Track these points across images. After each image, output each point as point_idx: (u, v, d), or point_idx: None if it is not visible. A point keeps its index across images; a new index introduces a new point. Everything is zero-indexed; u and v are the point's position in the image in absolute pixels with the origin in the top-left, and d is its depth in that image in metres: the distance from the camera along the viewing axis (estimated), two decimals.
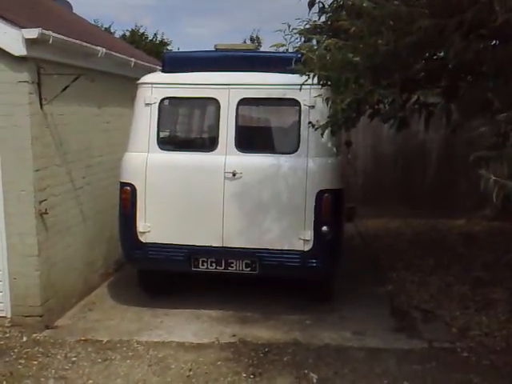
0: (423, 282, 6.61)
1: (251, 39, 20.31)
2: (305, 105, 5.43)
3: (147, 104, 5.63)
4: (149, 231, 5.59)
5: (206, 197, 5.51)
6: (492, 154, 2.80)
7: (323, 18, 4.86)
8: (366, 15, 3.65)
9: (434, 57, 4.12)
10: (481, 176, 2.73)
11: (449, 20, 3.04)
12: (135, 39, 19.28)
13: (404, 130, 4.48)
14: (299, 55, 4.45)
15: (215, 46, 6.16)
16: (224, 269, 5.60)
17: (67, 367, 4.57)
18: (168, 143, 6.02)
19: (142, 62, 7.53)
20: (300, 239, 5.43)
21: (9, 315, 5.30)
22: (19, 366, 4.59)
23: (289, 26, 4.54)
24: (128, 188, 5.60)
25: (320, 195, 5.39)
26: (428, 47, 3.74)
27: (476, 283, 6.49)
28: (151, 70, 7.06)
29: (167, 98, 5.76)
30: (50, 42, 4.92)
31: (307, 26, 4.79)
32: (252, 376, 4.44)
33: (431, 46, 3.70)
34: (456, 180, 10.03)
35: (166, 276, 6.18)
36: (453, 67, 3.66)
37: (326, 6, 4.67)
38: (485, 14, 2.91)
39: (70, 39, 5.32)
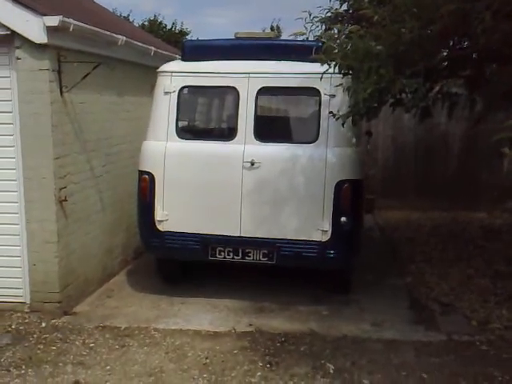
0: (443, 275, 6.54)
1: (271, 28, 20.18)
2: (325, 94, 5.36)
3: (166, 92, 5.62)
4: (167, 220, 5.60)
5: (224, 186, 5.50)
6: None
7: (345, 7, 4.81)
8: (389, 2, 3.59)
9: (458, 46, 4.04)
10: (504, 155, 2.66)
11: (476, 3, 2.96)
12: (153, 29, 19.25)
13: (427, 119, 4.41)
14: (320, 44, 4.39)
15: (235, 34, 6.12)
16: (241, 258, 5.59)
17: (85, 353, 4.62)
18: (187, 132, 6.02)
19: (162, 51, 7.52)
20: (318, 230, 5.39)
21: (28, 301, 5.36)
22: (38, 351, 4.64)
23: (310, 15, 4.49)
24: (146, 176, 5.61)
25: (339, 186, 5.34)
26: (452, 35, 3.67)
27: (496, 276, 6.41)
28: (171, 59, 7.04)
29: (186, 86, 5.74)
30: (71, 29, 4.93)
31: (328, 15, 4.74)
32: (268, 365, 4.44)
33: (455, 34, 3.63)
34: (478, 172, 9.89)
35: (183, 264, 6.20)
36: (478, 54, 3.59)
37: None
38: None
39: (90, 27, 5.32)
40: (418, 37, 3.44)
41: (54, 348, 4.70)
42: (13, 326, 5.09)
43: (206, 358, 4.54)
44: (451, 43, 3.92)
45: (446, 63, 4.08)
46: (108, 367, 4.39)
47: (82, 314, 5.43)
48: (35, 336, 4.91)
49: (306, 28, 4.37)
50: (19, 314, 5.29)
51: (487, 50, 3.40)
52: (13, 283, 5.35)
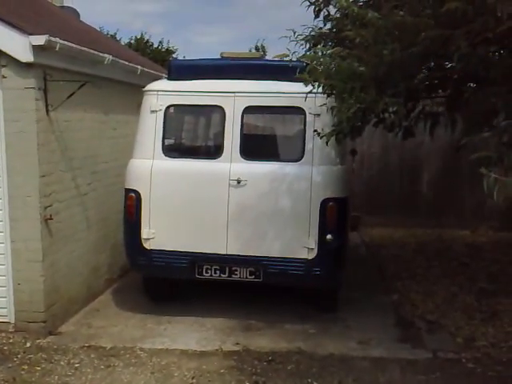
0: (428, 292, 6.57)
1: (256, 48, 20.38)
2: (310, 113, 5.43)
3: (153, 111, 5.65)
4: (153, 238, 5.59)
5: (210, 204, 5.52)
6: (494, 155, 2.78)
7: (328, 26, 4.88)
8: (371, 25, 3.66)
9: (438, 67, 4.12)
10: (482, 175, 2.71)
11: (455, 31, 3.04)
12: (140, 47, 19.33)
13: (409, 138, 4.48)
14: (304, 64, 4.45)
15: (221, 54, 6.19)
16: (228, 276, 5.59)
17: (70, 373, 4.57)
18: (173, 150, 6.03)
19: (148, 70, 7.57)
20: (304, 247, 5.42)
21: (12, 321, 5.30)
22: (22, 372, 4.58)
23: (294, 33, 4.55)
24: (133, 194, 5.61)
25: (324, 203, 5.38)
26: (432, 56, 3.74)
27: (481, 294, 6.45)
28: (157, 78, 7.09)
29: (173, 105, 5.78)
30: (57, 48, 4.94)
31: (312, 33, 4.80)
32: None
33: (436, 56, 3.70)
34: (461, 190, 9.99)
35: (170, 283, 6.18)
36: (457, 76, 3.66)
37: (332, 14, 4.69)
38: (492, 23, 2.91)
39: (76, 46, 5.35)
40: (399, 58, 3.50)
41: (39, 368, 4.64)
42: None
43: (193, 378, 4.51)
44: (431, 64, 4.00)
45: (427, 83, 4.15)
46: None
47: (67, 333, 5.37)
48: (19, 356, 4.85)
49: (289, 50, 4.40)
50: (3, 334, 5.22)
51: (465, 72, 3.47)
52: None
